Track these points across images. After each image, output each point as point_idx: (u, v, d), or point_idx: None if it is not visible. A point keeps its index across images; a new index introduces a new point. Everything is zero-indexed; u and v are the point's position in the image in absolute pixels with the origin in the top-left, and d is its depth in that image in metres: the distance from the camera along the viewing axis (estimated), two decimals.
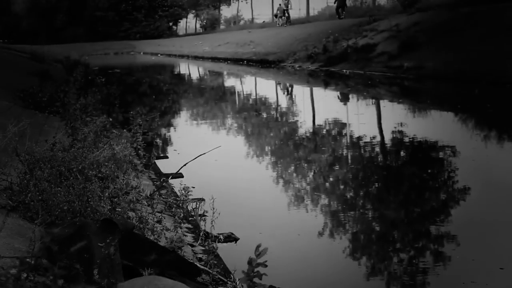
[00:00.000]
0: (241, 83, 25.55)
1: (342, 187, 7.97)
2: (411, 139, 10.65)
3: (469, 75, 17.26)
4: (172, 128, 13.60)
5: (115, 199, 4.63)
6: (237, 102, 18.12)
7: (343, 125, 12.75)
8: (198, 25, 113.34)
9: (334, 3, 44.05)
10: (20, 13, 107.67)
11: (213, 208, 5.27)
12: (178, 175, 7.27)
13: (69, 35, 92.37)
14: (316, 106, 16.67)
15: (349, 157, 9.63)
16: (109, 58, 57.68)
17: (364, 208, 6.88)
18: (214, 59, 40.83)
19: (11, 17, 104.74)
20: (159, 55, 57.54)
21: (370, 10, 37.82)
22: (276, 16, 60.09)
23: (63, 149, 5.20)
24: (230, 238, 5.63)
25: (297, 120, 13.89)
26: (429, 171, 8.52)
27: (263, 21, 78.44)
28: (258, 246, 3.27)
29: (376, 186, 7.96)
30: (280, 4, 62.08)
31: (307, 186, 7.90)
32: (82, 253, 3.14)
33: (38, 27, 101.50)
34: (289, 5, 48.15)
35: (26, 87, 11.52)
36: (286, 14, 48.55)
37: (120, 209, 4.51)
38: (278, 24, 56.74)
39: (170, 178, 7.25)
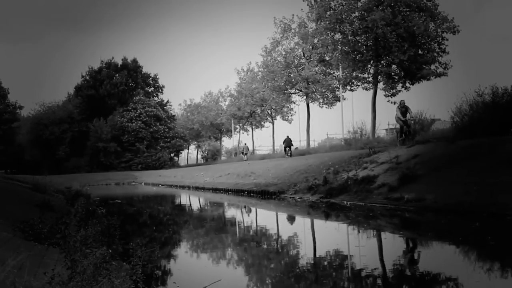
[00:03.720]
0: (242, 214, 25.56)
1: None
2: (413, 272, 10.53)
3: (469, 207, 17.30)
4: (172, 260, 13.48)
5: None
6: (237, 233, 18.06)
7: (344, 257, 12.65)
8: (199, 156, 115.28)
9: (283, 143, 55.37)
10: (23, 144, 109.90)
11: None
12: None
13: (71, 166, 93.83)
14: (317, 237, 16.61)
15: None
16: (110, 189, 58.20)
17: None
18: (215, 190, 41.15)
19: (15, 148, 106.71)
20: (160, 185, 58.13)
21: (370, 142, 38.60)
22: (242, 153, 64.33)
23: (61, 282, 5.16)
24: None
25: (298, 252, 13.80)
26: None
27: (268, 153, 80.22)
28: None
29: None
30: (245, 144, 67.69)
31: None
32: None
33: (41, 158, 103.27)
34: (409, 114, 32.61)
35: (27, 218, 11.55)
36: (407, 129, 33.25)
37: None
38: (244, 159, 61.18)
39: None
